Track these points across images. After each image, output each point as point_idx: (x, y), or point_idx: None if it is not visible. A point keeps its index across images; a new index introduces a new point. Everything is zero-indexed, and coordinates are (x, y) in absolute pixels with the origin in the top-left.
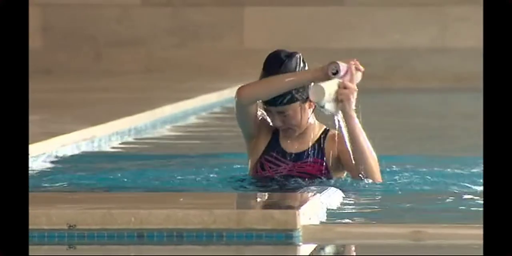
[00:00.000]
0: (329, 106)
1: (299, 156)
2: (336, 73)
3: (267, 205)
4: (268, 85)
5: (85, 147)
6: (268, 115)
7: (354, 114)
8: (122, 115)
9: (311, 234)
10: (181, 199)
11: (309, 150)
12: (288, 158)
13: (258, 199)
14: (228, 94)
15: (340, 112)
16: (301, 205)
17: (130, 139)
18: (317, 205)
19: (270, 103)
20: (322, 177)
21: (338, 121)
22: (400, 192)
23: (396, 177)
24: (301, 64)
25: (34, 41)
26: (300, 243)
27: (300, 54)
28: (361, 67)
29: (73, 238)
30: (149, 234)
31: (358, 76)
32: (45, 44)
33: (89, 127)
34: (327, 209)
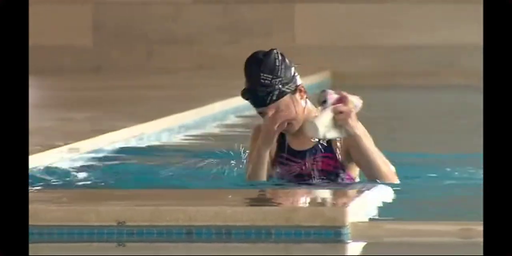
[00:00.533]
0: (331, 134)
1: (308, 152)
2: (325, 101)
3: (315, 202)
4: (252, 168)
5: (134, 144)
6: (263, 117)
7: (359, 133)
8: (172, 112)
9: (360, 231)
10: (230, 196)
11: (317, 144)
12: (299, 157)
13: (307, 196)
14: None
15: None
16: (350, 202)
17: (179, 136)
18: (366, 202)
19: (260, 104)
20: (339, 173)
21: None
22: (447, 190)
23: (454, 175)
24: (280, 58)
25: (85, 39)
26: (349, 240)
27: (277, 49)
28: (355, 100)
29: (122, 235)
30: (197, 231)
31: (358, 104)
32: (96, 42)
33: (138, 124)
34: (376, 206)
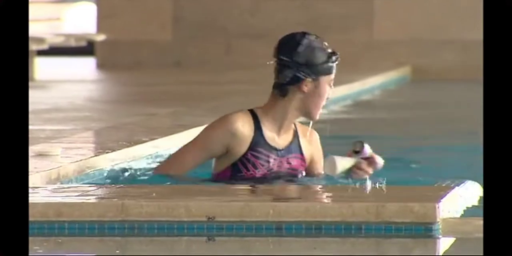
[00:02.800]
0: (340, 175)
1: (285, 150)
2: (357, 152)
3: (405, 198)
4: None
5: None
6: (327, 90)
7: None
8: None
9: (451, 227)
10: (318, 192)
11: (291, 145)
12: (276, 153)
13: (397, 192)
14: (359, 86)
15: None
16: (440, 198)
17: None
18: (455, 198)
19: (329, 71)
20: (302, 173)
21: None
22: None
23: None
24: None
25: (165, 33)
26: (440, 236)
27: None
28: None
29: (212, 230)
30: (287, 227)
31: (380, 163)
32: (175, 36)
33: None
34: (465, 202)
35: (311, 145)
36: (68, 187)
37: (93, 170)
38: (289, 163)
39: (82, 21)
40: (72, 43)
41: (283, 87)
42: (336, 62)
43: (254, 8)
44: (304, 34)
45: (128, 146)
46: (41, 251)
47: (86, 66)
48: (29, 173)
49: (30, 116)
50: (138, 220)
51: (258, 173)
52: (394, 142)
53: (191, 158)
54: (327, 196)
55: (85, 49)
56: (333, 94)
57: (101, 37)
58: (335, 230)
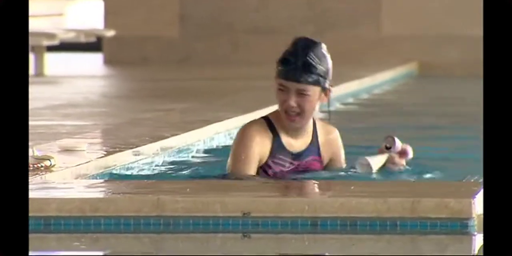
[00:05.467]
0: (376, 169)
1: (302, 155)
2: (389, 148)
3: (441, 194)
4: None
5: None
6: (279, 94)
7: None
8: (269, 103)
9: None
10: (352, 187)
11: (309, 147)
12: (293, 158)
13: (432, 187)
14: (369, 82)
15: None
16: (474, 193)
17: None
18: None
19: (292, 79)
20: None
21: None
22: None
23: None
24: (328, 54)
25: (172, 30)
26: (475, 233)
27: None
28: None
29: (247, 226)
30: (322, 223)
31: (411, 154)
32: (182, 33)
33: (241, 114)
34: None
35: (331, 146)
36: (102, 183)
37: (120, 165)
38: (305, 166)
39: (85, 17)
40: (82, 39)
41: None
42: (283, 68)
43: (261, 4)
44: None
45: (151, 142)
46: (84, 247)
47: (93, 61)
48: (59, 169)
49: (47, 111)
50: (174, 216)
51: (272, 173)
52: (404, 133)
53: (249, 172)
54: (362, 192)
55: (90, 45)
56: (345, 89)
57: (110, 33)
58: (370, 226)
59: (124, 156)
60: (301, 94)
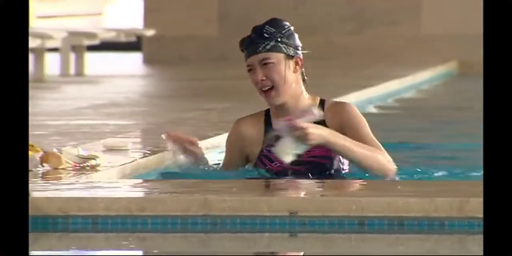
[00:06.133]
0: (301, 150)
1: None
2: (276, 137)
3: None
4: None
5: None
6: (250, 76)
7: (327, 140)
8: None
9: None
10: (399, 187)
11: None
12: None
13: (480, 187)
14: (410, 81)
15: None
16: None
17: None
18: None
19: (252, 52)
20: (335, 157)
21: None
22: None
23: None
24: (291, 27)
25: (210, 29)
26: None
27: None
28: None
29: (294, 225)
30: (369, 222)
31: (311, 115)
32: (221, 31)
33: None
34: None
35: (335, 117)
36: (148, 182)
37: (166, 165)
38: (309, 151)
39: (123, 16)
40: (122, 38)
41: None
42: (243, 47)
43: (298, 2)
44: None
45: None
46: (132, 246)
47: (132, 61)
48: (104, 168)
49: (90, 110)
50: (221, 215)
51: (275, 166)
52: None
53: (230, 167)
54: (409, 191)
55: (130, 44)
56: (386, 88)
57: (150, 32)
58: (417, 225)
59: (169, 156)
60: (265, 65)
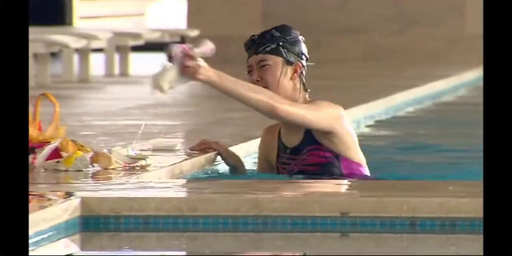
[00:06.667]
0: (176, 85)
1: (298, 148)
2: (169, 57)
3: None
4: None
5: None
6: (249, 77)
7: (213, 79)
8: (356, 103)
9: None
10: (450, 188)
11: (305, 138)
12: (290, 153)
13: None
14: (455, 81)
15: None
16: None
17: (364, 128)
18: None
19: (252, 53)
20: (331, 161)
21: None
22: None
23: None
24: (299, 36)
25: (254, 29)
26: None
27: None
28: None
29: (345, 226)
30: (421, 223)
31: (207, 50)
32: None
33: None
34: None
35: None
36: (199, 182)
37: (215, 165)
38: (305, 160)
39: (166, 16)
40: (167, 38)
41: None
42: (246, 49)
43: (342, 3)
44: None
45: (243, 141)
46: (184, 246)
47: None
48: (154, 168)
49: (137, 111)
50: (272, 215)
51: (284, 171)
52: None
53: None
54: (460, 191)
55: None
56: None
57: (194, 33)
58: (469, 226)
59: (218, 156)
60: (262, 66)
